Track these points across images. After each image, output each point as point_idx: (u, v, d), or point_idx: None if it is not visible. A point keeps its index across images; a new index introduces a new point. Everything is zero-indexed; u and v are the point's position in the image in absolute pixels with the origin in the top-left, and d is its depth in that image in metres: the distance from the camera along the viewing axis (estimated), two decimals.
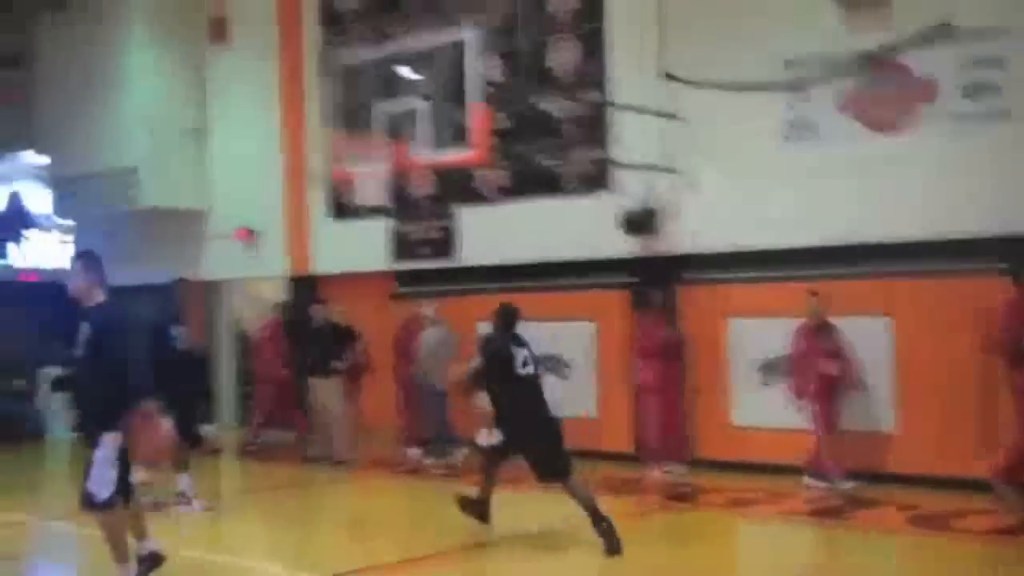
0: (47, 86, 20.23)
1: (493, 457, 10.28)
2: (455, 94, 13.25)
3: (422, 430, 14.46)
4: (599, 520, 9.50)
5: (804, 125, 12.93)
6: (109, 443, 7.72)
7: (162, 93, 19.12)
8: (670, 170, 13.70)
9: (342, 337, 15.02)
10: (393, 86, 14.21)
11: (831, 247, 12.67)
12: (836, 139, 12.69)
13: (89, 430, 7.83)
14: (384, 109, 13.51)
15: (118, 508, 7.90)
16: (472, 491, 10.52)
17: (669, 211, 13.90)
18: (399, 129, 13.22)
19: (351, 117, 14.42)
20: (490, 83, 15.27)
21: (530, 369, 9.93)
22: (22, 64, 21.11)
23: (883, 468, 12.24)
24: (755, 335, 13.29)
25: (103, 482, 7.68)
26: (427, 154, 12.91)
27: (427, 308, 14.65)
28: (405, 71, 14.12)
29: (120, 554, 7.92)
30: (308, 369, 14.87)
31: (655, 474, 13.02)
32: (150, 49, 19.08)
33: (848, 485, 11.66)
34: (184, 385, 11.58)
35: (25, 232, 22.26)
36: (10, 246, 22.19)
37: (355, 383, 15.38)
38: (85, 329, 7.85)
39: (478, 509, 10.32)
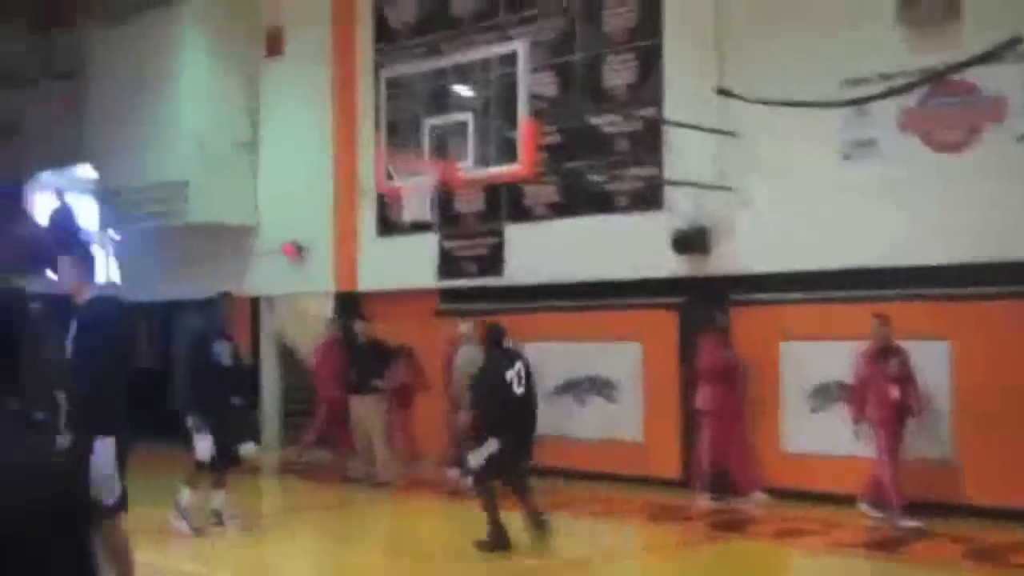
0: (99, 98, 20.50)
1: (486, 482, 10.40)
2: (506, 109, 13.22)
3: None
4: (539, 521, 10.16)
5: (863, 143, 12.80)
6: (103, 449, 7.35)
7: (214, 106, 19.23)
8: (724, 188, 13.65)
9: (384, 355, 14.92)
10: (443, 100, 14.22)
11: (888, 268, 12.51)
12: (896, 158, 12.54)
13: (81, 434, 7.37)
14: (433, 123, 13.49)
15: (121, 518, 7.44)
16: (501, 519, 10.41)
17: (721, 230, 13.81)
18: (447, 144, 13.16)
19: (400, 131, 14.39)
20: (542, 98, 15.25)
21: (520, 389, 10.28)
22: (77, 76, 21.40)
23: (941, 498, 11.99)
24: (808, 359, 13.13)
25: (107, 487, 7.26)
26: (475, 169, 12.80)
27: (464, 326, 14.63)
28: (456, 85, 14.08)
29: (126, 571, 7.37)
30: (349, 387, 14.78)
31: (703, 503, 12.91)
32: (203, 61, 19.25)
33: (910, 523, 11.37)
34: (226, 401, 11.56)
35: (77, 247, 22.24)
36: (62, 261, 22.18)
37: (404, 403, 15.37)
38: (73, 327, 7.69)
39: (497, 542, 10.27)
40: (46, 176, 22.76)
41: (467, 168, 12.68)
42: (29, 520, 2.42)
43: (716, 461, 12.97)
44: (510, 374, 10.23)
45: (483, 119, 12.86)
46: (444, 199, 15.89)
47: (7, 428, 2.71)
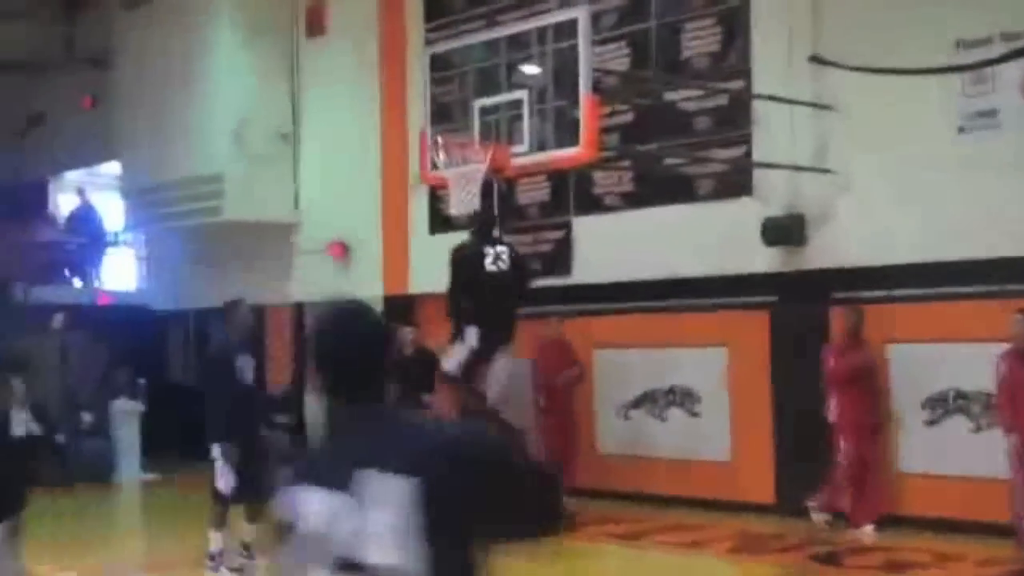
0: (126, 87, 20.38)
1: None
2: (567, 85, 12.60)
3: None
4: None
5: (983, 114, 12.31)
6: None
7: (250, 93, 18.96)
8: (821, 170, 13.28)
9: (432, 367, 14.31)
10: (495, 78, 13.64)
11: (1014, 258, 11.93)
12: (1022, 129, 12.00)
13: None
14: (486, 103, 12.90)
15: None
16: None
17: (819, 218, 13.44)
18: (502, 126, 12.60)
19: (450, 113, 13.85)
20: (611, 72, 14.96)
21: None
22: (103, 64, 21.37)
23: None
24: (922, 364, 12.60)
25: None
26: (532, 155, 12.26)
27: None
28: (510, 60, 13.50)
29: None
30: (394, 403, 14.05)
31: (819, 520, 12.53)
32: (237, 43, 18.97)
33: None
34: (253, 424, 11.31)
35: (106, 249, 22.13)
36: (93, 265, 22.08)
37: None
38: None
39: None
40: (70, 175, 22.63)
41: (522, 153, 12.03)
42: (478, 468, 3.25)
43: (854, 479, 12.48)
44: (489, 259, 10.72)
45: (541, 98, 12.29)
46: (503, 190, 15.38)
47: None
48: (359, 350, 3.39)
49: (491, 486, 3.26)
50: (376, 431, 3.31)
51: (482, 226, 11.34)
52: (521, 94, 12.46)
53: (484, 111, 12.93)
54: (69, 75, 22.62)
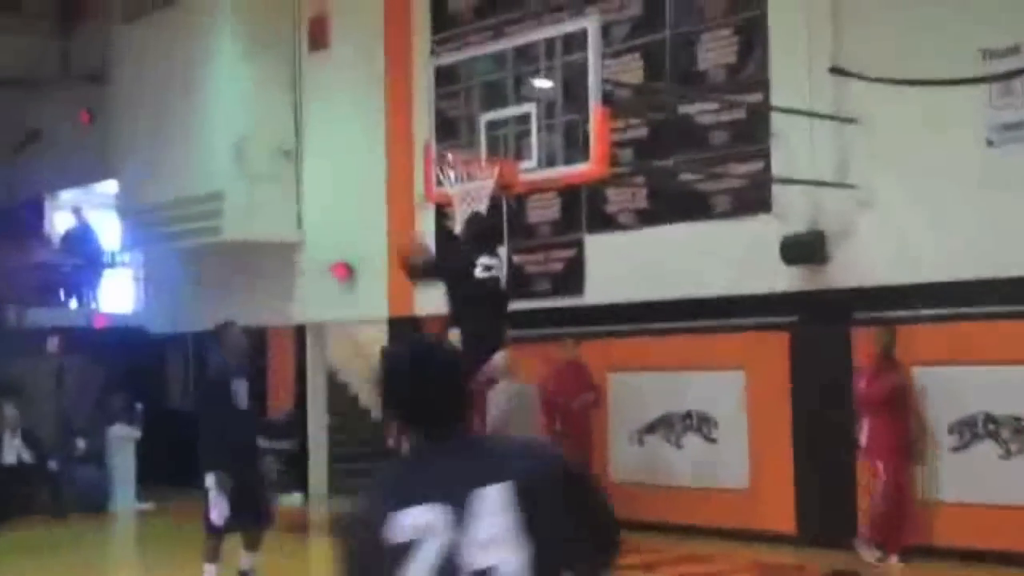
0: (123, 102, 20.48)
1: None
2: (577, 98, 12.56)
3: None
4: None
5: (1011, 127, 12.23)
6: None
7: (251, 109, 19.02)
8: (843, 185, 13.21)
9: None
10: (502, 91, 13.61)
11: None
12: None
13: None
14: (493, 118, 12.86)
15: None
16: None
17: (841, 235, 13.35)
18: (510, 141, 12.56)
19: (458, 129, 13.82)
20: (623, 84, 14.93)
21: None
22: (100, 79, 21.51)
23: None
24: (947, 388, 12.49)
25: None
26: (541, 171, 12.20)
27: (499, 358, 14.14)
28: (518, 72, 13.47)
29: None
30: (397, 431, 14.08)
31: (869, 557, 12.39)
32: (238, 58, 19.01)
33: None
34: (250, 450, 11.45)
35: (103, 271, 22.16)
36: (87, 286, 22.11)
37: None
38: None
39: None
40: (65, 194, 22.71)
41: (531, 169, 11.99)
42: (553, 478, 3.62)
43: (888, 509, 12.36)
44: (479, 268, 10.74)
45: (550, 111, 12.25)
46: (511, 207, 15.49)
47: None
48: (442, 387, 3.65)
49: (579, 494, 3.67)
50: (471, 450, 3.66)
51: (479, 234, 11.28)
52: (529, 107, 12.40)
53: (492, 126, 12.86)
54: (65, 91, 22.75)
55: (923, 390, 12.64)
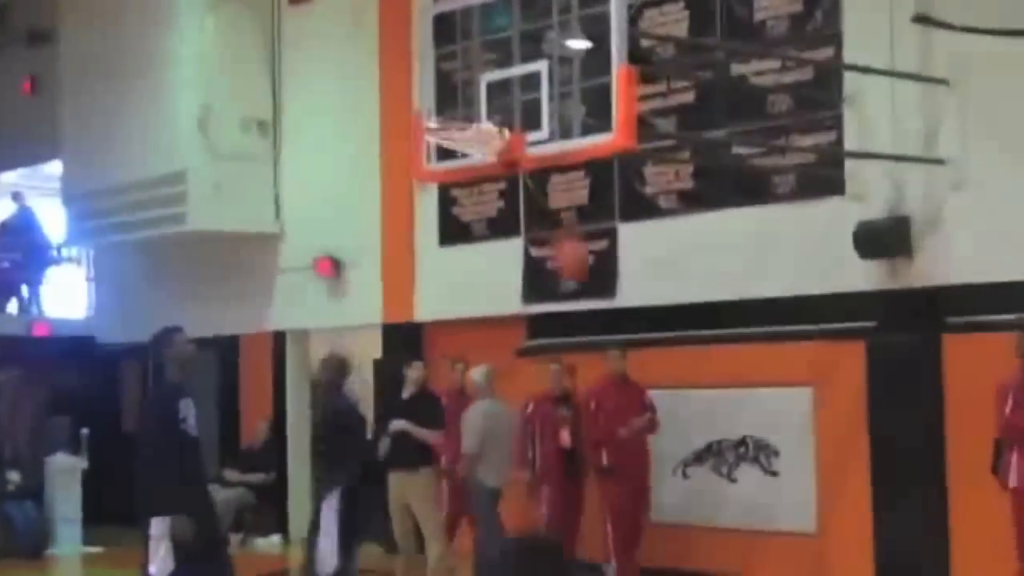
0: (72, 67, 20.65)
1: None
2: (604, 56, 12.36)
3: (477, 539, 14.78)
4: None
5: None
6: None
7: (218, 73, 19.02)
8: (932, 160, 13.06)
9: (438, 412, 14.50)
10: (507, 47, 13.45)
11: None
12: None
13: None
14: (498, 78, 12.67)
15: None
16: None
17: (929, 221, 13.21)
18: (522, 108, 12.41)
19: (456, 92, 13.66)
20: (665, 39, 14.94)
21: None
22: (44, 40, 21.88)
23: None
24: None
25: None
26: (554, 143, 11.96)
27: (476, 372, 14.68)
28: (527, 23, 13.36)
29: None
30: (387, 460, 14.39)
31: None
32: (205, 14, 19.01)
33: None
34: (204, 485, 11.14)
35: (48, 268, 22.09)
36: (26, 288, 22.06)
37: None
38: None
39: None
40: (5, 176, 22.63)
41: (541, 141, 11.78)
42: None
43: None
44: None
45: (566, 70, 11.97)
46: (531, 188, 15.53)
47: None
48: None
49: None
50: None
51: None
52: (540, 66, 12.14)
53: (495, 90, 12.72)
54: (6, 55, 22.94)
55: None
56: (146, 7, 19.08)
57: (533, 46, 13.20)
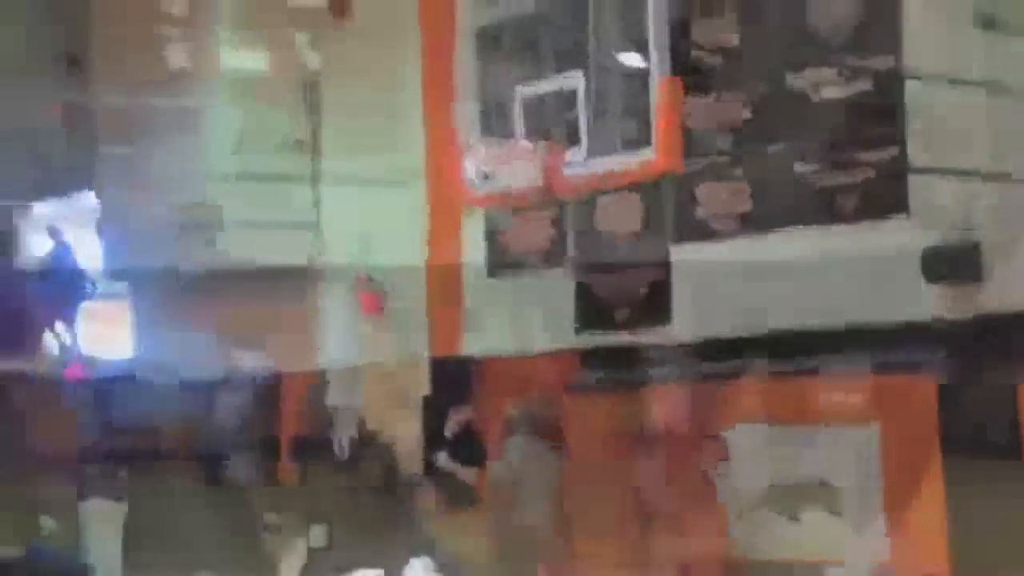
0: (106, 94, 21.25)
1: None
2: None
3: None
4: None
5: None
6: None
7: (255, 95, 19.49)
8: (1003, 177, 12.90)
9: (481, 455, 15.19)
10: (547, 57, 13.48)
11: None
12: None
13: None
14: (534, 92, 12.64)
15: None
16: None
17: (1003, 243, 13.07)
18: (559, 123, 12.40)
19: (494, 108, 13.80)
20: (716, 51, 14.89)
21: None
22: (79, 64, 22.40)
23: None
24: None
25: None
26: (590, 161, 11.95)
27: (513, 408, 14.80)
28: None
29: None
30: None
31: None
32: (241, 29, 19.61)
33: None
34: None
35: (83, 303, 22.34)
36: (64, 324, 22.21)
37: None
38: None
39: None
40: (40, 207, 23.23)
41: (577, 160, 11.66)
42: None
43: None
44: None
45: (604, 81, 11.96)
46: (577, 213, 15.67)
47: None
48: None
49: None
50: None
51: None
52: (576, 78, 12.18)
53: (532, 100, 12.81)
54: (41, 79, 23.02)
55: None
56: (179, 30, 19.82)
57: (574, 59, 13.36)
